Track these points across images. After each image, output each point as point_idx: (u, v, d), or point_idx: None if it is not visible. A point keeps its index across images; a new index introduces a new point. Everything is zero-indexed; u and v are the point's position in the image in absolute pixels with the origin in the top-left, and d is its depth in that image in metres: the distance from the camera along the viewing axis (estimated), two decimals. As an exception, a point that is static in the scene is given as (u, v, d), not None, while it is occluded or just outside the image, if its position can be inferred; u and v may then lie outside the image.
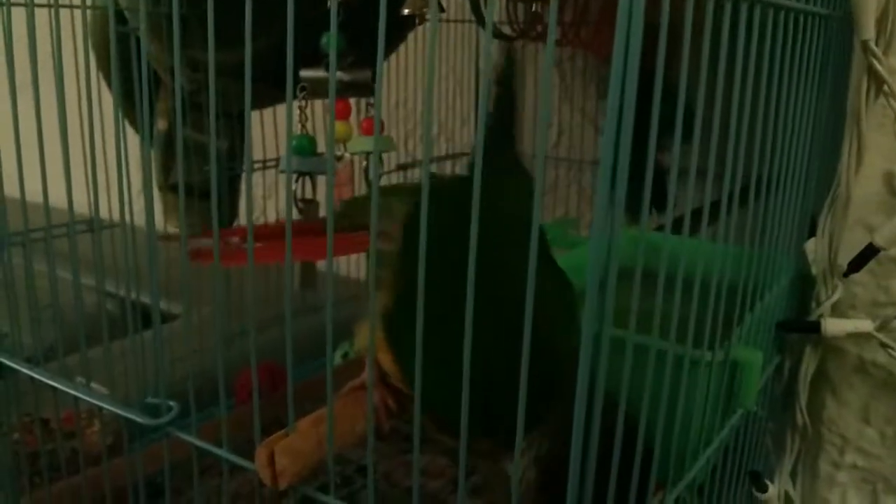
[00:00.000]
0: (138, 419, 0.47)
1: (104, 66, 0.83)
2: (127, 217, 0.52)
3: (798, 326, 0.60)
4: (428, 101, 0.35)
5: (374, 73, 0.80)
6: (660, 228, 0.47)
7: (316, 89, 0.79)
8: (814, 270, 0.60)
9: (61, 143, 0.48)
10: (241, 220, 1.06)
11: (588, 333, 0.33)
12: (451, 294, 0.34)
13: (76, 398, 0.52)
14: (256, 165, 1.03)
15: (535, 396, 0.35)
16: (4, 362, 0.55)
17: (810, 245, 0.61)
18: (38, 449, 0.70)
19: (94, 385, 0.53)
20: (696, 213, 0.42)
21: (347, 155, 0.84)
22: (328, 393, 0.40)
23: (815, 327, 0.58)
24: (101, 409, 0.50)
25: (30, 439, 0.73)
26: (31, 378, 0.54)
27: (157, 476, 0.54)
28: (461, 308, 0.34)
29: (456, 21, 1.14)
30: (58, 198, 0.55)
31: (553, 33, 0.33)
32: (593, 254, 0.32)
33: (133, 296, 0.53)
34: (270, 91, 0.54)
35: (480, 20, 1.03)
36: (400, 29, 0.93)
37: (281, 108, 1.02)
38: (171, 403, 0.47)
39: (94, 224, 0.50)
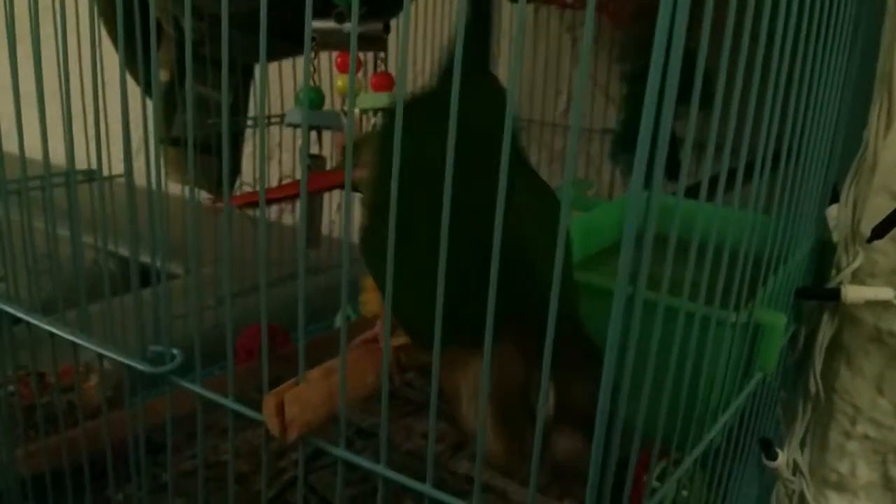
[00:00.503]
0: (141, 367, 0.45)
1: (106, 15, 0.80)
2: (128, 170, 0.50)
3: (818, 293, 0.59)
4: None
5: (385, 26, 0.78)
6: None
7: (326, 41, 0.77)
8: (835, 237, 0.59)
9: (62, 95, 0.46)
10: (244, 175, 1.04)
11: (621, 295, 0.31)
12: (424, 204, 0.33)
13: (75, 349, 0.51)
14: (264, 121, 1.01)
15: (507, 300, 0.34)
16: (5, 309, 0.53)
17: (832, 211, 0.60)
18: (34, 402, 0.68)
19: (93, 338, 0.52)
20: (716, 180, 0.41)
21: (356, 111, 0.81)
22: (341, 340, 0.39)
23: (835, 294, 0.57)
24: (101, 358, 0.48)
25: (26, 392, 0.72)
26: (29, 328, 0.53)
27: (155, 431, 0.53)
28: (434, 217, 0.33)
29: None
30: (56, 153, 0.53)
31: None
32: (630, 216, 0.31)
33: (133, 252, 0.51)
34: (277, 44, 0.52)
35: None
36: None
37: (286, 63, 0.99)
38: (175, 352, 0.45)
39: (96, 174, 0.49)
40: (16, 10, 0.53)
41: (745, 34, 0.36)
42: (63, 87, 0.49)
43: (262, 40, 0.38)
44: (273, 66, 1.01)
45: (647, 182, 0.32)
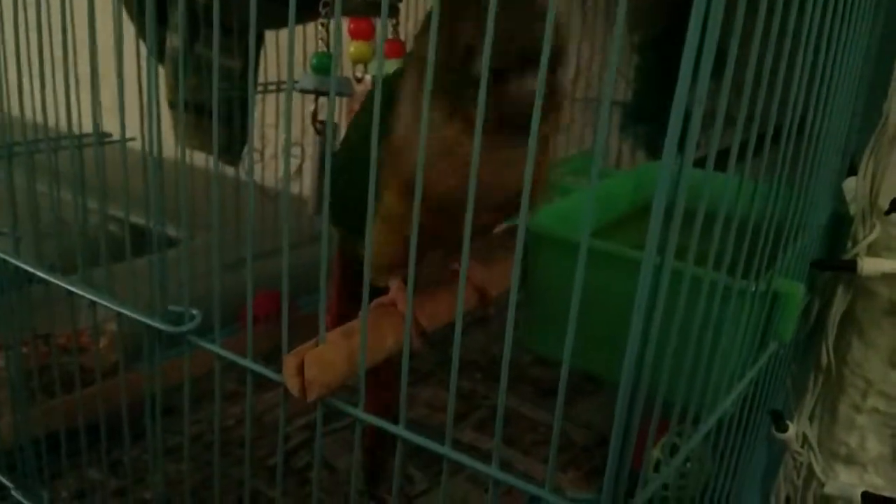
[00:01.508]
0: (161, 326, 0.45)
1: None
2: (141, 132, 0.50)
3: (834, 265, 0.58)
4: None
5: (399, -9, 0.77)
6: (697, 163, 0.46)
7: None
8: (852, 210, 0.59)
9: (65, 59, 0.45)
10: (254, 142, 1.03)
11: (648, 265, 0.31)
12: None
13: (94, 308, 0.51)
14: (271, 87, 1.00)
15: None
16: (24, 266, 0.53)
17: (849, 184, 0.60)
18: (47, 362, 0.69)
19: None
20: (727, 152, 0.41)
21: (369, 77, 0.81)
22: (363, 301, 0.39)
23: (852, 266, 0.57)
24: (120, 317, 0.48)
25: (36, 354, 0.72)
26: (48, 286, 0.53)
27: (164, 394, 0.53)
28: None
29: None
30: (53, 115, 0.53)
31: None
32: (661, 189, 0.31)
33: (141, 219, 0.51)
34: (284, 10, 0.51)
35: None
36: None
37: (297, 28, 0.98)
38: (194, 312, 0.45)
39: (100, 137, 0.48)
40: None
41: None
42: (66, 50, 0.49)
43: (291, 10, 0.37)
44: (283, 33, 1.00)
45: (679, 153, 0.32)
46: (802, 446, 0.64)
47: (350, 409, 0.41)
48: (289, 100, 0.42)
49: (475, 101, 0.34)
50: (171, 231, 0.65)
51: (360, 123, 0.51)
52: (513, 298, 0.35)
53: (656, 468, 0.61)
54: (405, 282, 0.38)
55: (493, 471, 0.37)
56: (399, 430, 0.40)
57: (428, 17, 0.40)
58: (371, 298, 0.40)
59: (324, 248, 0.39)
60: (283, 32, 0.99)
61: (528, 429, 0.95)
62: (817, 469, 0.64)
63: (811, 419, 0.65)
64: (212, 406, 0.49)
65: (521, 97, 0.36)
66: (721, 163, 0.38)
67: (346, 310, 0.56)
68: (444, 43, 0.36)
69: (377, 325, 0.43)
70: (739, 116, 0.36)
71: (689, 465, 0.64)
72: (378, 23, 0.86)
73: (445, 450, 0.39)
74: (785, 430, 0.61)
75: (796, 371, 0.66)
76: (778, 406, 0.64)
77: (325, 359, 0.40)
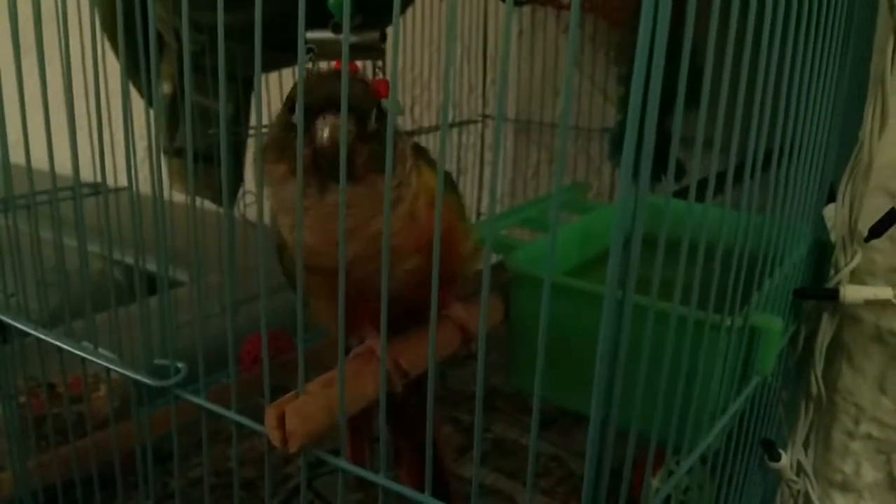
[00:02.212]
0: (147, 381, 0.46)
1: (109, 28, 0.81)
2: (133, 180, 0.51)
3: (816, 293, 0.59)
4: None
5: (382, 35, 0.79)
6: (677, 194, 0.46)
7: (323, 51, 0.78)
8: (833, 237, 0.59)
9: (66, 105, 0.47)
10: (247, 184, 1.05)
11: (611, 300, 0.32)
12: None
13: (83, 361, 0.52)
14: (263, 129, 1.02)
15: None
16: (13, 324, 0.54)
17: (829, 211, 0.60)
18: (45, 413, 0.69)
19: (100, 350, 0.53)
20: (709, 181, 0.41)
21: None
22: (339, 353, 0.39)
23: (834, 294, 0.57)
24: (108, 371, 0.49)
25: (35, 403, 0.73)
26: (38, 341, 0.54)
27: (163, 440, 0.54)
28: None
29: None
30: (61, 165, 0.54)
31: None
32: (618, 220, 0.32)
33: (139, 262, 0.52)
34: (276, 55, 0.53)
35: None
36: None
37: (286, 72, 1.00)
38: (179, 365, 0.46)
39: (102, 188, 0.49)
40: (20, 23, 0.54)
41: (732, 31, 0.36)
42: (66, 99, 0.50)
43: (256, 53, 0.39)
44: (273, 76, 1.01)
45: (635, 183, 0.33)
46: (798, 474, 0.64)
47: (332, 459, 0.42)
48: (258, 144, 0.43)
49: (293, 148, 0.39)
50: (171, 274, 0.66)
51: None
52: (482, 332, 0.36)
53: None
54: (378, 330, 0.39)
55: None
56: (380, 478, 0.40)
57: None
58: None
59: (299, 299, 0.40)
60: (274, 76, 1.01)
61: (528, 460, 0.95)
62: (814, 497, 0.63)
63: (805, 447, 0.65)
64: (212, 447, 0.49)
65: (327, 137, 0.40)
66: (699, 193, 0.38)
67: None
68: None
69: (357, 373, 0.44)
70: (695, 146, 0.37)
71: (689, 493, 0.64)
72: (364, 64, 0.88)
73: (427, 498, 0.39)
74: (778, 458, 0.60)
75: (788, 399, 0.66)
76: (771, 435, 0.64)
77: (306, 410, 0.41)
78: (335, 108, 0.39)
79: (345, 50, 0.37)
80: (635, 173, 0.32)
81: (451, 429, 0.99)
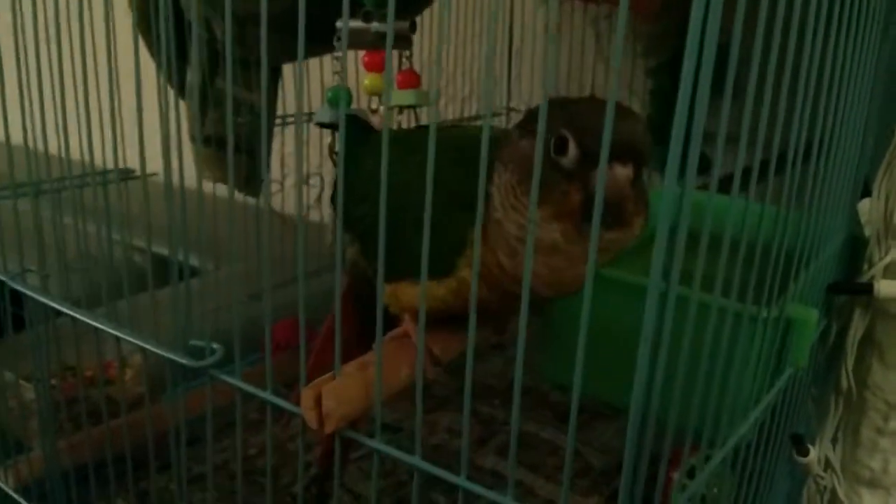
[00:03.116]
0: (183, 361, 0.46)
1: (141, 22, 0.82)
2: (165, 166, 0.51)
3: (850, 288, 0.59)
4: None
5: (411, 24, 0.79)
6: (703, 187, 0.46)
7: (353, 40, 0.78)
8: (867, 232, 0.59)
9: (108, 94, 0.47)
10: (272, 174, 1.05)
11: (655, 292, 0.32)
12: None
13: (118, 343, 0.52)
14: (290, 119, 1.02)
15: None
16: (51, 304, 0.54)
17: (864, 206, 0.60)
18: (75, 395, 0.70)
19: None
20: (744, 174, 0.41)
21: (383, 108, 0.82)
22: (377, 335, 0.40)
23: (867, 289, 0.57)
24: (144, 352, 0.49)
25: (65, 386, 0.74)
26: (74, 322, 0.54)
27: (189, 424, 0.54)
28: None
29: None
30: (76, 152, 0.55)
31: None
32: (664, 212, 0.32)
33: (164, 250, 0.53)
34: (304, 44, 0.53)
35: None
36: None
37: (313, 62, 1.00)
38: (215, 346, 0.46)
39: (118, 174, 0.50)
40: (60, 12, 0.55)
41: (777, 27, 0.36)
42: (108, 88, 0.51)
43: (300, 40, 0.39)
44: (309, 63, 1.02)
45: (681, 177, 0.33)
46: (825, 470, 0.64)
47: (367, 441, 0.42)
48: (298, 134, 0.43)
49: (564, 193, 0.37)
50: (195, 262, 0.66)
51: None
52: (522, 323, 0.36)
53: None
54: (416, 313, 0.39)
55: (507, 501, 0.38)
56: (414, 459, 0.41)
57: (528, 114, 0.43)
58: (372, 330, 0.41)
59: (337, 278, 0.40)
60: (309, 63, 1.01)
61: (549, 453, 0.95)
62: (841, 493, 0.63)
63: (834, 443, 0.65)
64: (236, 435, 0.50)
65: (620, 190, 0.38)
66: (727, 185, 0.38)
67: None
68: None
69: (392, 357, 0.44)
70: (741, 139, 0.37)
71: (715, 490, 0.64)
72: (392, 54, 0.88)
73: (461, 480, 0.40)
74: (806, 453, 0.60)
75: (817, 394, 0.66)
76: (800, 430, 0.64)
77: (342, 391, 0.41)
78: (631, 156, 0.37)
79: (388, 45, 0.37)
80: (682, 166, 0.32)
81: (471, 420, 1.00)
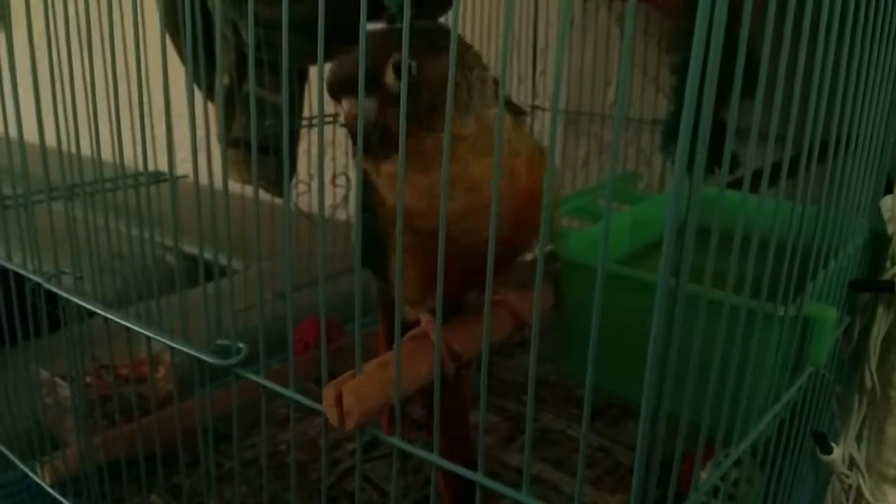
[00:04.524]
0: (209, 360, 0.48)
1: (170, 25, 0.83)
2: (195, 169, 0.53)
3: (872, 285, 0.58)
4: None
5: (436, 26, 0.80)
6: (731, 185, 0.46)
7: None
8: (889, 229, 0.59)
9: (137, 95, 0.48)
10: (300, 174, 1.07)
11: (664, 289, 0.32)
12: None
13: (148, 342, 0.54)
14: (315, 121, 1.03)
15: None
16: (84, 304, 0.56)
17: (887, 202, 0.59)
18: (109, 392, 0.72)
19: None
20: (765, 171, 0.41)
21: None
22: (396, 333, 0.41)
23: (890, 286, 0.57)
24: (172, 351, 0.51)
25: (100, 383, 0.76)
26: (106, 322, 0.56)
27: (217, 422, 0.56)
28: None
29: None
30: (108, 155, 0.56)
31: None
32: (672, 209, 0.32)
33: (194, 250, 0.54)
34: (331, 46, 0.54)
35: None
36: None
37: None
38: (241, 345, 0.48)
39: (146, 178, 0.51)
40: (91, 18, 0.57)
41: (789, 19, 0.36)
42: (136, 90, 0.52)
43: (319, 47, 0.40)
44: (327, 66, 1.03)
45: (690, 173, 0.33)
46: (850, 468, 0.63)
47: (387, 437, 0.43)
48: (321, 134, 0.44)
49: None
50: (223, 261, 0.68)
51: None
52: (535, 311, 0.36)
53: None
54: (434, 313, 0.40)
55: (523, 497, 0.39)
56: (433, 456, 0.41)
57: None
58: (405, 332, 0.42)
59: (357, 278, 0.41)
60: (326, 66, 1.02)
61: (576, 450, 0.95)
62: (866, 491, 0.63)
63: (858, 441, 0.64)
64: (261, 432, 0.51)
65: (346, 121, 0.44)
66: (755, 183, 0.38)
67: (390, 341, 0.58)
68: None
69: (412, 355, 0.45)
70: (769, 136, 0.37)
71: (737, 488, 0.64)
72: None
73: (479, 477, 0.40)
74: (829, 451, 0.60)
75: (841, 392, 0.65)
76: (824, 428, 0.64)
77: (363, 389, 0.42)
78: (350, 90, 0.42)
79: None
80: (690, 162, 0.32)
81: (497, 418, 1.00)
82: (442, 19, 0.87)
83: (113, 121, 0.55)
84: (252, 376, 0.47)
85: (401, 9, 0.76)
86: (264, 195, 0.96)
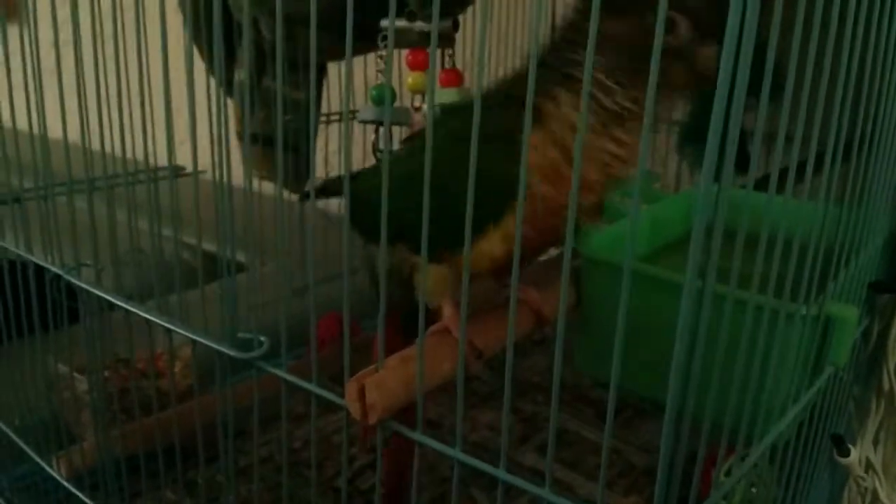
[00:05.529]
0: (231, 353, 0.48)
1: (192, 21, 0.84)
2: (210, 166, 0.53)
3: (892, 287, 0.58)
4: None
5: (455, 23, 0.80)
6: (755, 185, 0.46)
7: (397, 39, 0.79)
8: (910, 230, 0.58)
9: (163, 93, 0.49)
10: (316, 170, 1.07)
11: (691, 288, 0.32)
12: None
13: (169, 335, 0.54)
14: (334, 117, 1.04)
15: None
16: (105, 297, 0.56)
17: (908, 204, 0.59)
18: (127, 385, 0.72)
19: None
20: (786, 173, 0.41)
21: (426, 106, 0.83)
22: (419, 329, 0.41)
23: (909, 288, 0.56)
24: (194, 344, 0.51)
25: (117, 377, 0.76)
26: (127, 315, 0.56)
27: (239, 415, 0.56)
28: None
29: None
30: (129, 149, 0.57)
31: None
32: (700, 211, 0.32)
33: (210, 246, 0.54)
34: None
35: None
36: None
37: (356, 60, 1.02)
38: (262, 338, 0.48)
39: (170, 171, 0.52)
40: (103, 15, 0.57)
41: (816, 22, 0.36)
42: (162, 86, 0.53)
43: (348, 41, 0.40)
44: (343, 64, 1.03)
45: (717, 175, 0.33)
46: (866, 471, 0.63)
47: (409, 432, 0.43)
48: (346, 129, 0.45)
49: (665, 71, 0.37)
50: (241, 257, 0.68)
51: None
52: (562, 310, 0.36)
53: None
54: (457, 307, 0.40)
55: (546, 493, 0.39)
56: (455, 452, 0.42)
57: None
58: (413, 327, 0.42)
59: (382, 274, 0.41)
60: (342, 63, 1.03)
61: (590, 451, 0.95)
62: (882, 495, 0.63)
63: (875, 444, 0.64)
64: (281, 428, 0.51)
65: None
66: (766, 183, 0.38)
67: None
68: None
69: (433, 351, 0.45)
70: (795, 138, 0.37)
71: (754, 490, 0.64)
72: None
73: (500, 472, 0.40)
74: (847, 454, 0.60)
75: (859, 394, 0.65)
76: (841, 429, 0.64)
77: (385, 384, 0.42)
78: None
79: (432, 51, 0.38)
80: (719, 162, 0.32)
81: (512, 418, 1.00)
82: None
83: (137, 115, 0.55)
84: (274, 370, 0.48)
85: (421, 5, 0.76)
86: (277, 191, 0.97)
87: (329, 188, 0.58)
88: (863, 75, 0.44)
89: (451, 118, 0.50)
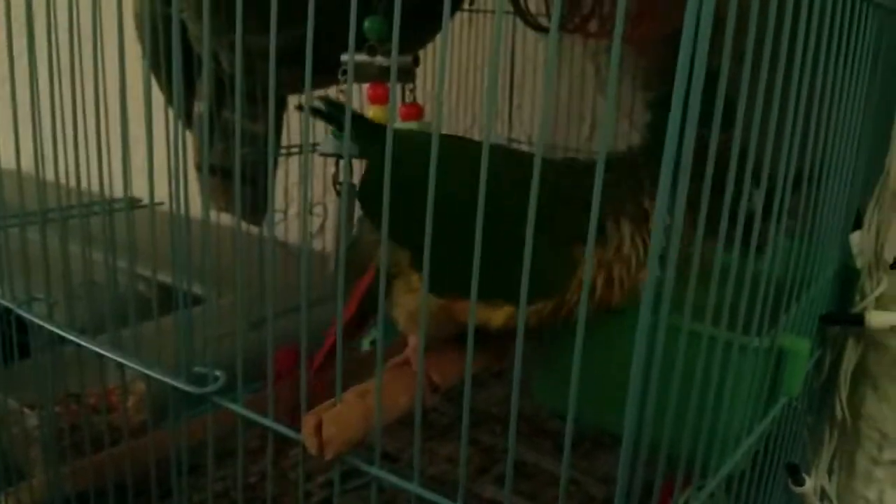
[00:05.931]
0: (186, 388, 0.47)
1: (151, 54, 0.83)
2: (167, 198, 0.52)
3: (842, 319, 0.59)
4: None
5: (415, 58, 0.81)
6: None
7: (358, 73, 0.80)
8: (859, 263, 0.60)
9: (120, 124, 0.48)
10: (276, 204, 1.06)
11: (645, 323, 0.33)
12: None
13: (122, 370, 0.53)
14: (294, 150, 1.04)
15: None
16: (57, 331, 0.55)
17: (855, 237, 0.61)
18: (78, 421, 0.71)
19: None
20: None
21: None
22: (378, 362, 0.41)
23: (859, 320, 0.58)
24: (148, 379, 0.50)
25: (68, 413, 0.74)
26: (78, 349, 0.55)
27: (193, 451, 0.55)
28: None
29: (492, 11, 1.14)
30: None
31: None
32: (653, 246, 0.33)
33: (165, 279, 0.53)
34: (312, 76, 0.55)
35: (518, 11, 1.03)
36: (438, 17, 0.94)
37: (317, 93, 1.02)
38: (218, 373, 0.47)
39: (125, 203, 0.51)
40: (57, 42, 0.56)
41: (765, 59, 0.37)
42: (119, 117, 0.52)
43: (307, 75, 0.40)
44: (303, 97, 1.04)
45: (671, 208, 0.34)
46: (822, 501, 0.64)
47: (367, 467, 0.43)
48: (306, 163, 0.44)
49: None
50: (198, 289, 0.67)
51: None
52: (519, 342, 0.36)
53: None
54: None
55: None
56: (413, 486, 0.41)
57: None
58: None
59: (339, 307, 0.41)
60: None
61: (549, 483, 0.95)
62: (837, 523, 0.63)
63: (829, 472, 0.65)
64: (236, 463, 0.50)
65: None
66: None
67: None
68: None
69: (392, 384, 0.45)
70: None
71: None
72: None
73: (459, 505, 0.40)
74: (802, 483, 0.61)
75: (812, 424, 0.66)
76: (795, 459, 0.64)
77: (343, 418, 0.42)
78: None
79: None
80: (671, 203, 0.33)
81: (470, 449, 1.00)
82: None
83: (92, 146, 0.54)
84: (231, 405, 0.47)
85: (381, 40, 0.77)
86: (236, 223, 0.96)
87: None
88: (810, 111, 0.45)
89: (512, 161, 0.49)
